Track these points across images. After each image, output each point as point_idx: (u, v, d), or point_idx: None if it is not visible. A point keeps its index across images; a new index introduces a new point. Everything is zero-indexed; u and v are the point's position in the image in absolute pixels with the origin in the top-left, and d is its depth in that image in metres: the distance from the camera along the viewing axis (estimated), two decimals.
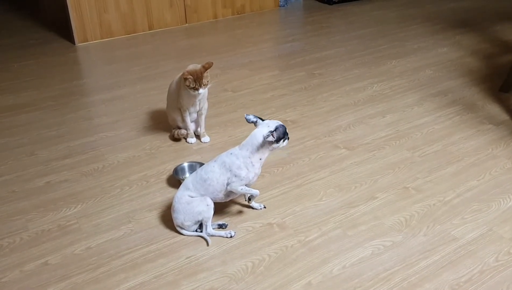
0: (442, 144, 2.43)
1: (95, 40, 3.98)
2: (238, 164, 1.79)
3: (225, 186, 1.81)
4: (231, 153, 1.82)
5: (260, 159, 1.81)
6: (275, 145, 1.78)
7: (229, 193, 1.84)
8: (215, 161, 1.84)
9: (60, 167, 2.31)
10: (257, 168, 1.81)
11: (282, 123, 1.79)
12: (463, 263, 1.70)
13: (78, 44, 3.92)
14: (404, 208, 1.98)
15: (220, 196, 1.84)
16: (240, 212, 1.98)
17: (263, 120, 1.82)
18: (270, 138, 1.73)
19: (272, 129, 1.74)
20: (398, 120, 2.67)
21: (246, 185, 1.82)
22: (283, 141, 1.80)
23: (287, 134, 1.81)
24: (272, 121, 1.80)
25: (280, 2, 4.81)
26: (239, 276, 1.67)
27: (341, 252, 1.76)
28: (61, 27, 4.22)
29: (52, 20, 4.45)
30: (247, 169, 1.79)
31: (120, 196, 2.09)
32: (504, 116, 2.68)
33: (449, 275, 1.65)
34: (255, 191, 1.87)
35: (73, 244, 1.82)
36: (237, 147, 1.83)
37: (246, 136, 2.51)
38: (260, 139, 1.76)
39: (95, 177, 2.23)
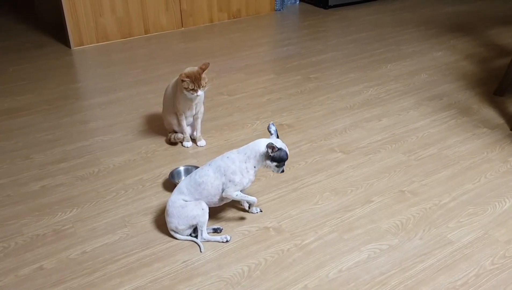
0: (437, 147, 2.43)
1: (91, 44, 3.98)
2: (233, 168, 1.79)
3: (220, 190, 1.81)
4: (227, 157, 1.82)
5: (255, 167, 1.80)
6: (268, 162, 1.78)
7: (223, 197, 1.84)
8: (209, 165, 1.84)
9: (55, 171, 2.30)
10: (251, 175, 1.81)
11: (288, 152, 1.79)
12: (459, 267, 1.70)
13: (74, 47, 3.91)
14: (400, 212, 1.98)
15: (215, 201, 1.84)
16: (236, 216, 1.97)
17: (277, 137, 1.83)
18: (269, 150, 1.74)
19: (277, 147, 1.75)
20: (394, 123, 2.67)
21: (240, 190, 1.82)
22: (278, 166, 1.79)
23: (284, 164, 1.81)
24: (282, 143, 1.80)
25: (276, 6, 4.83)
26: (235, 280, 1.66)
27: (337, 255, 1.76)
28: (57, 31, 4.22)
29: (48, 24, 4.44)
30: (242, 175, 1.79)
31: (115, 200, 2.08)
32: (499, 119, 2.69)
33: (445, 278, 1.65)
34: (251, 198, 1.87)
35: (69, 249, 1.82)
36: (234, 151, 1.83)
37: (242, 140, 2.53)
38: (262, 148, 1.76)
39: (90, 181, 2.22)
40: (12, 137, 2.61)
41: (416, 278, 1.66)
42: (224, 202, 1.88)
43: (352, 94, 3.03)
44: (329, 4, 4.86)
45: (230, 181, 1.79)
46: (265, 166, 1.80)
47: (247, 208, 1.98)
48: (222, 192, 1.81)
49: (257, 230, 1.89)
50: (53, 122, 2.75)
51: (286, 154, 1.78)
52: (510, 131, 2.56)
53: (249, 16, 4.69)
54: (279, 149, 1.76)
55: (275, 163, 1.78)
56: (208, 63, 2.24)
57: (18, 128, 2.70)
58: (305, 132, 2.60)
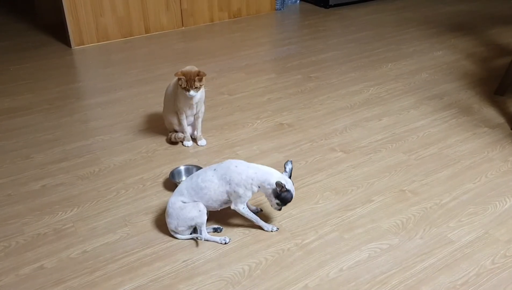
0: (438, 147, 2.43)
1: (91, 43, 3.98)
2: (238, 180, 1.77)
3: (223, 197, 1.80)
4: (235, 166, 1.78)
5: (259, 187, 1.79)
6: (272, 196, 1.77)
7: (223, 203, 1.83)
8: (214, 170, 1.81)
9: (56, 170, 2.30)
10: (254, 191, 1.80)
11: (293, 195, 1.78)
12: (460, 266, 1.70)
13: (75, 47, 3.91)
14: (401, 211, 1.98)
15: (215, 205, 1.83)
16: (236, 215, 1.97)
17: (289, 177, 1.81)
18: (278, 189, 1.73)
19: (286, 188, 1.73)
20: (394, 123, 2.67)
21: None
22: (278, 204, 1.79)
23: (285, 204, 1.80)
24: (292, 186, 1.79)
25: (277, 5, 4.82)
26: (235, 280, 1.66)
27: (337, 255, 1.76)
28: (58, 30, 4.22)
29: (48, 23, 4.44)
30: (245, 188, 1.77)
31: (116, 200, 2.08)
32: (499, 119, 2.69)
33: (445, 278, 1.65)
34: (256, 217, 1.84)
35: (69, 248, 1.82)
36: (244, 163, 1.81)
37: (243, 139, 2.53)
38: (273, 180, 1.74)
39: (91, 180, 2.22)
40: (13, 136, 2.61)
41: (416, 278, 1.66)
42: (223, 207, 1.86)
43: (352, 94, 3.03)
44: (330, 3, 4.86)
45: (234, 192, 1.78)
46: (267, 196, 1.80)
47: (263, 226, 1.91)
48: (224, 199, 1.80)
49: (257, 229, 1.89)
50: (54, 122, 2.75)
51: (292, 197, 1.77)
52: (511, 131, 2.56)
53: (249, 15, 4.69)
54: (288, 190, 1.75)
55: (277, 201, 1.78)
56: (205, 74, 2.25)
57: (19, 127, 2.70)
58: (305, 131, 2.60)
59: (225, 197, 1.80)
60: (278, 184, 1.72)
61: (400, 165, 2.29)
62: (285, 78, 3.28)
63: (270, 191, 1.77)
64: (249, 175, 1.77)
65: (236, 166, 1.79)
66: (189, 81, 2.22)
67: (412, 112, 2.78)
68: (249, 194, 1.79)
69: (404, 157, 2.36)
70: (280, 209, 1.84)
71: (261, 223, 1.87)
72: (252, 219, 1.85)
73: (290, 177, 1.81)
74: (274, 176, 1.76)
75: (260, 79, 3.27)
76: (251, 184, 1.77)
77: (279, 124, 2.67)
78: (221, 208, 1.86)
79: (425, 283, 1.63)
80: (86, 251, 1.80)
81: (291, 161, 1.84)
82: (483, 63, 3.46)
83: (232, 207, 1.82)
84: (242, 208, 1.81)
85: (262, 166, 1.81)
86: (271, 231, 1.87)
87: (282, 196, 1.76)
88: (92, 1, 3.84)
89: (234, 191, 1.77)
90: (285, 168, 1.83)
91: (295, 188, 2.12)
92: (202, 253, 1.78)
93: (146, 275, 1.69)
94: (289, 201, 1.78)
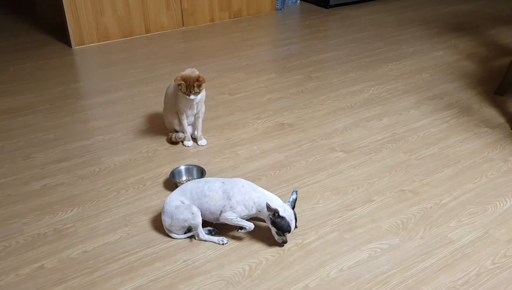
0: (438, 147, 2.43)
1: (91, 43, 3.98)
2: (239, 199, 1.76)
3: (220, 211, 1.79)
4: (242, 186, 1.79)
5: (259, 212, 1.78)
6: (269, 224, 1.76)
7: (219, 218, 1.82)
8: (222, 183, 1.81)
9: (56, 170, 2.30)
10: (252, 212, 1.79)
11: (290, 225, 1.73)
12: (460, 266, 1.70)
13: (75, 47, 3.92)
14: (401, 211, 1.98)
15: (210, 217, 1.82)
16: None
17: (293, 208, 1.77)
18: (270, 213, 1.72)
19: (279, 215, 1.71)
20: (395, 123, 2.67)
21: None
22: (277, 234, 1.76)
23: (285, 235, 1.76)
24: (291, 214, 1.74)
25: (277, 5, 4.82)
26: (236, 280, 1.66)
27: (338, 255, 1.76)
28: (58, 30, 4.22)
29: (48, 23, 4.45)
30: (244, 207, 1.77)
31: (116, 200, 2.09)
32: (500, 119, 2.69)
33: (445, 277, 1.65)
34: (248, 224, 1.80)
35: (69, 248, 1.82)
36: (252, 185, 1.81)
37: (243, 139, 2.53)
38: (272, 207, 1.72)
39: (91, 180, 2.22)
40: (13, 136, 2.61)
41: (417, 277, 1.66)
42: (219, 222, 1.84)
43: (352, 94, 3.03)
44: (330, 3, 4.86)
45: (231, 207, 1.77)
46: (267, 220, 1.78)
47: (237, 231, 1.87)
48: (220, 214, 1.80)
49: (257, 229, 1.89)
50: (54, 122, 2.75)
51: (288, 225, 1.73)
52: (511, 131, 2.56)
53: (250, 15, 4.69)
54: (281, 217, 1.72)
55: (275, 229, 1.76)
56: (204, 80, 2.25)
57: (19, 127, 2.70)
58: (306, 131, 2.60)
59: (221, 211, 1.80)
60: (269, 207, 1.70)
61: (401, 165, 2.29)
62: (285, 78, 3.28)
63: (268, 216, 1.76)
64: (252, 197, 1.77)
65: (242, 186, 1.79)
66: (189, 87, 2.24)
67: (412, 112, 2.78)
68: (245, 212, 1.78)
69: (405, 157, 2.36)
70: (284, 242, 1.79)
71: (244, 223, 1.80)
72: (244, 225, 1.79)
73: (293, 207, 1.78)
74: (274, 203, 1.74)
75: (261, 79, 3.27)
76: (252, 206, 1.77)
77: (280, 124, 2.67)
78: (217, 222, 1.85)
79: (426, 283, 1.63)
80: (87, 251, 1.80)
81: (297, 192, 1.82)
82: (484, 63, 3.46)
83: (221, 218, 1.79)
84: (230, 219, 1.78)
85: (267, 192, 1.80)
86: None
87: (276, 223, 1.73)
88: (93, 1, 3.84)
89: (231, 207, 1.77)
90: (292, 196, 1.81)
91: (296, 188, 2.12)
92: (203, 253, 1.78)
93: (146, 275, 1.69)
94: (286, 230, 1.74)
